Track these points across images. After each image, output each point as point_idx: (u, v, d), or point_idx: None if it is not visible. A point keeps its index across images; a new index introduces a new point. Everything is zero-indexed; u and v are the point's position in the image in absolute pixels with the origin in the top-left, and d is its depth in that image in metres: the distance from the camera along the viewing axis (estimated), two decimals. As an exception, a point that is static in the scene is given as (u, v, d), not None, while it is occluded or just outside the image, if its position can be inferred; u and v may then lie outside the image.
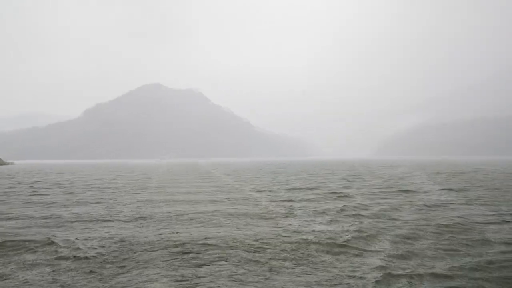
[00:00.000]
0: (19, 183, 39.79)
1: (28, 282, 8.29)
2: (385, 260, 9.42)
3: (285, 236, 12.05)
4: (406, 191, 26.20)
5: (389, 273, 8.43)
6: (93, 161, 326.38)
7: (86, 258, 9.88)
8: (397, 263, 9.23)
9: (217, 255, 10.07)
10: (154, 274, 8.64)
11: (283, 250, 10.55)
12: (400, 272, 8.49)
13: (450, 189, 26.94)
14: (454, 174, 48.83)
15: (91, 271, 8.88)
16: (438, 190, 26.76)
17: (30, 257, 10.15)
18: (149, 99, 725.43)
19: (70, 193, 27.30)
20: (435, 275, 8.31)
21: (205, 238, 11.87)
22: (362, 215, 16.00)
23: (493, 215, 15.85)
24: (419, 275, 8.33)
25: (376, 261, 9.38)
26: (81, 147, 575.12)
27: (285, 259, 9.73)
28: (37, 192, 28.31)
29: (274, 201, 21.05)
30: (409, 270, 8.58)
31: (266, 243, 11.23)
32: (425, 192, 25.57)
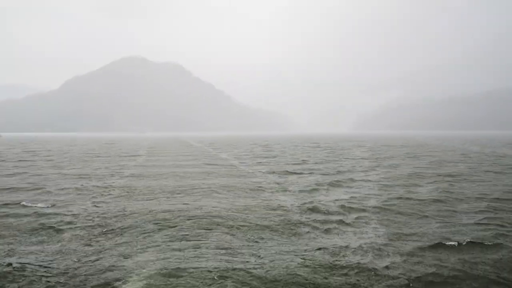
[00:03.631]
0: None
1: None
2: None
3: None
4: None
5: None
6: (70, 134, 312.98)
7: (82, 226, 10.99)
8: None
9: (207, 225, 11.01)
10: (143, 245, 9.11)
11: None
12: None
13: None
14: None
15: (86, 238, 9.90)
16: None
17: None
18: (129, 72, 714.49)
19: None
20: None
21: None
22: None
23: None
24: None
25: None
26: (58, 120, 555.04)
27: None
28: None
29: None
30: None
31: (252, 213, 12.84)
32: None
